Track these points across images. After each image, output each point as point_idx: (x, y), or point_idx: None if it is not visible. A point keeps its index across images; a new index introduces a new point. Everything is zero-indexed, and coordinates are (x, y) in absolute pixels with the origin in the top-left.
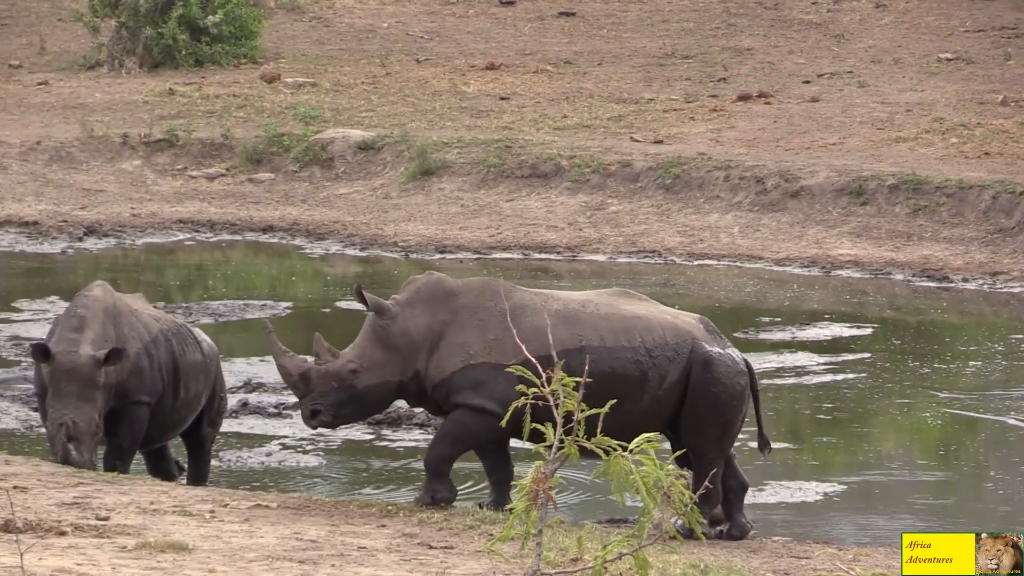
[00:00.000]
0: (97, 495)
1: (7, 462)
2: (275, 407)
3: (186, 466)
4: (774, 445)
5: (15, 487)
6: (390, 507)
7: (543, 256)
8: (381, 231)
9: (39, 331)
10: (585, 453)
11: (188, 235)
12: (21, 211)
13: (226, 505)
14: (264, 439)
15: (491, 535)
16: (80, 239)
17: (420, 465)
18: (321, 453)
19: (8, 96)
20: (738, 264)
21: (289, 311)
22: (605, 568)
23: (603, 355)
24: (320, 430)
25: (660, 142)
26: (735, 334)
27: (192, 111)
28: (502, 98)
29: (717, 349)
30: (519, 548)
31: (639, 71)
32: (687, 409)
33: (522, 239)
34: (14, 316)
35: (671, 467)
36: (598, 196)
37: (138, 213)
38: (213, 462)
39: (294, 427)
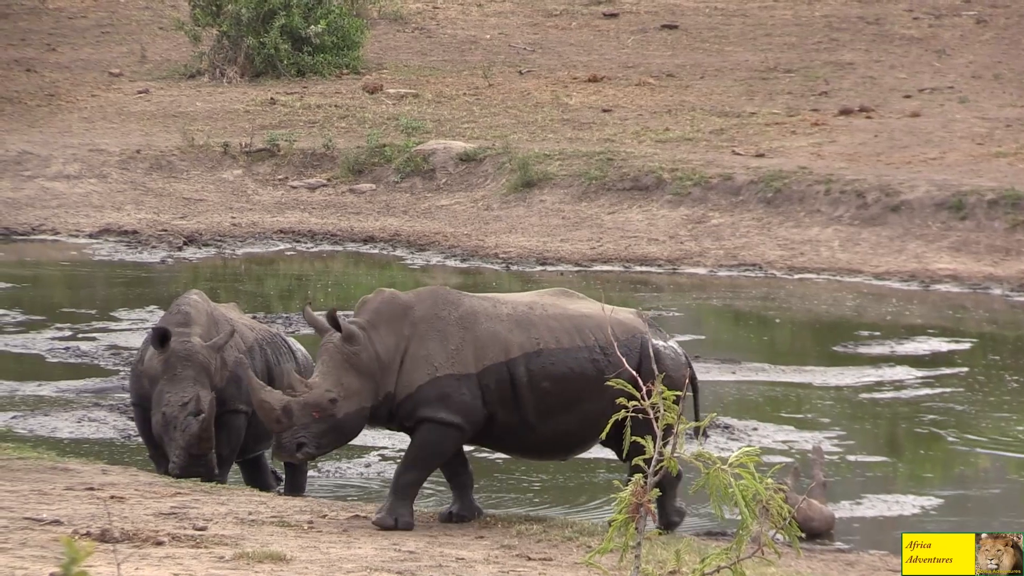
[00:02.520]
0: (195, 505)
1: (105, 472)
2: None
3: (283, 476)
4: (873, 459)
5: (112, 497)
6: (488, 519)
7: (644, 269)
8: (482, 242)
9: (138, 341)
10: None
11: (288, 245)
12: (121, 220)
13: (324, 516)
14: (363, 450)
15: (589, 547)
16: (180, 248)
17: (517, 478)
18: None
19: (109, 104)
20: (838, 278)
21: None
22: None
23: (561, 356)
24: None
25: (761, 156)
26: (834, 348)
27: (293, 121)
28: (604, 110)
29: (662, 343)
30: (618, 561)
31: (741, 84)
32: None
33: (623, 252)
34: (113, 325)
35: (770, 481)
36: (699, 209)
37: (238, 223)
38: (311, 473)
39: (393, 438)
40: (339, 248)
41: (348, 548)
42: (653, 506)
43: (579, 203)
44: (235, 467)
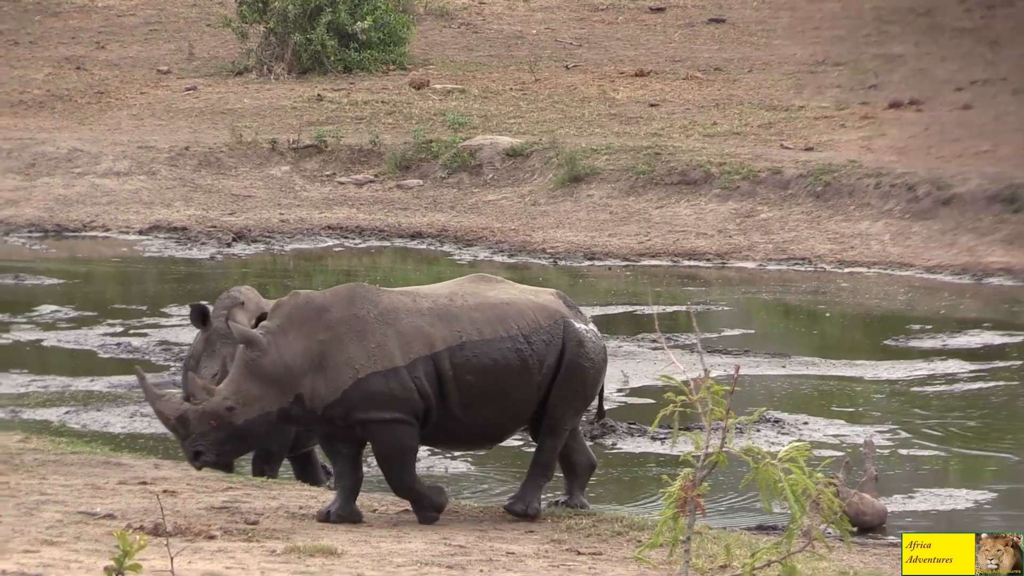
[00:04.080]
0: (246, 499)
1: (157, 466)
2: None
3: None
4: (925, 452)
5: (165, 491)
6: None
7: (692, 263)
8: (529, 238)
9: (188, 336)
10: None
11: (336, 241)
12: (170, 216)
13: (375, 510)
14: None
15: (639, 541)
16: (229, 245)
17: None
18: (470, 459)
19: (157, 101)
20: (888, 272)
21: None
22: (754, 575)
23: (484, 348)
24: None
25: (811, 149)
26: (885, 341)
27: (341, 117)
28: (651, 105)
29: (583, 326)
30: (667, 555)
31: (789, 78)
32: (558, 386)
33: (671, 246)
34: (163, 321)
35: (820, 475)
36: (748, 203)
37: (286, 219)
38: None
39: None
40: (387, 244)
41: (399, 542)
42: (702, 500)
43: (627, 197)
44: (285, 463)
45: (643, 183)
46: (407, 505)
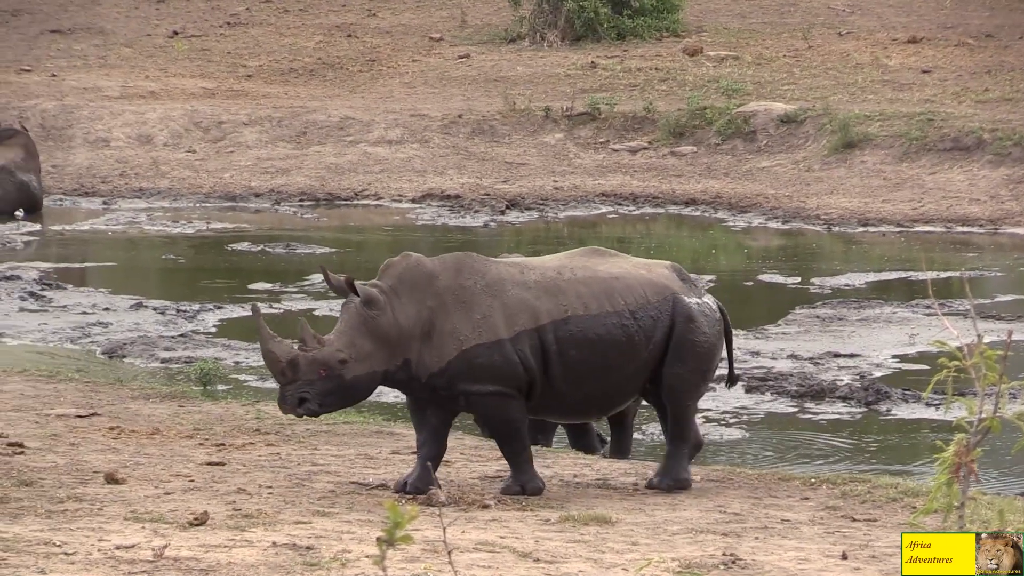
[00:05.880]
0: None
1: None
2: None
3: (608, 439)
4: None
5: None
6: (813, 479)
7: (965, 229)
8: (803, 204)
9: None
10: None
11: (610, 208)
12: (443, 184)
13: (648, 478)
14: None
15: (914, 508)
16: (502, 212)
17: (842, 439)
18: (744, 426)
19: (429, 69)
20: None
21: (712, 284)
22: None
23: (589, 323)
24: (744, 404)
25: None
26: None
27: (614, 84)
28: (923, 71)
29: (695, 300)
30: (941, 521)
31: None
32: (670, 362)
33: (944, 212)
34: None
35: None
36: (1020, 169)
37: (560, 186)
38: (636, 435)
39: (717, 400)
40: (660, 211)
41: (673, 511)
42: (975, 466)
43: (900, 164)
44: (560, 431)
45: (916, 149)
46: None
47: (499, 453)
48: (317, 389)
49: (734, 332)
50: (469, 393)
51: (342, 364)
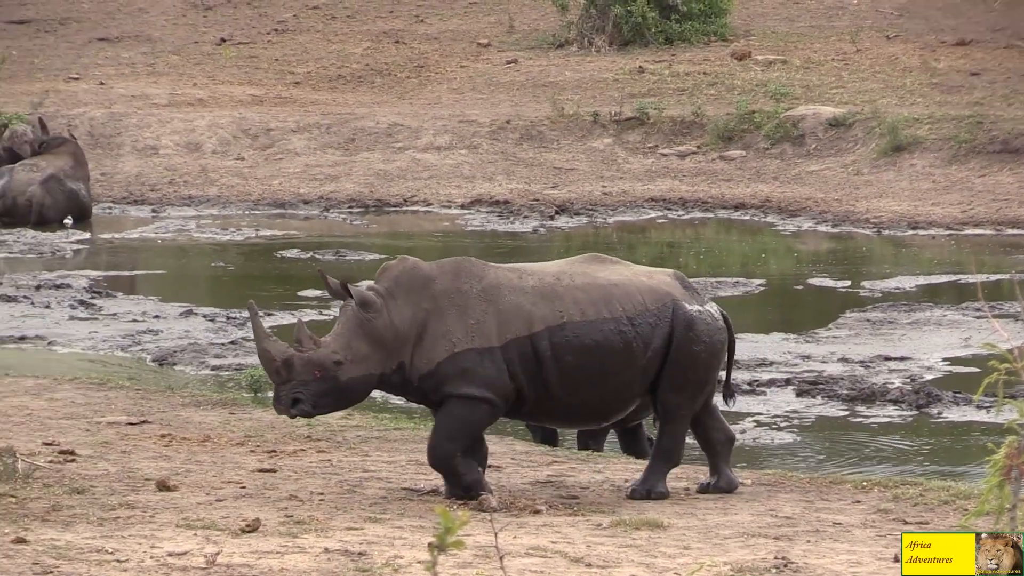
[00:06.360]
0: (571, 473)
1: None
2: (749, 384)
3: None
4: None
5: (489, 466)
6: (864, 483)
7: (1016, 232)
8: (853, 208)
9: None
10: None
11: (659, 213)
12: (492, 190)
13: (700, 482)
14: (738, 416)
15: (966, 510)
16: (551, 218)
17: (893, 442)
18: (795, 430)
19: (477, 75)
20: None
21: (762, 288)
22: None
23: (585, 329)
24: (795, 408)
25: None
26: None
27: (662, 89)
28: (972, 74)
29: (696, 307)
30: (993, 523)
31: None
32: (668, 370)
33: (993, 215)
34: None
35: None
36: None
37: (609, 191)
38: (688, 440)
39: (768, 404)
40: (710, 215)
41: (725, 515)
42: None
43: (949, 167)
44: (611, 435)
45: (965, 152)
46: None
47: (551, 458)
48: (312, 390)
49: (785, 335)
50: (452, 395)
51: (337, 366)
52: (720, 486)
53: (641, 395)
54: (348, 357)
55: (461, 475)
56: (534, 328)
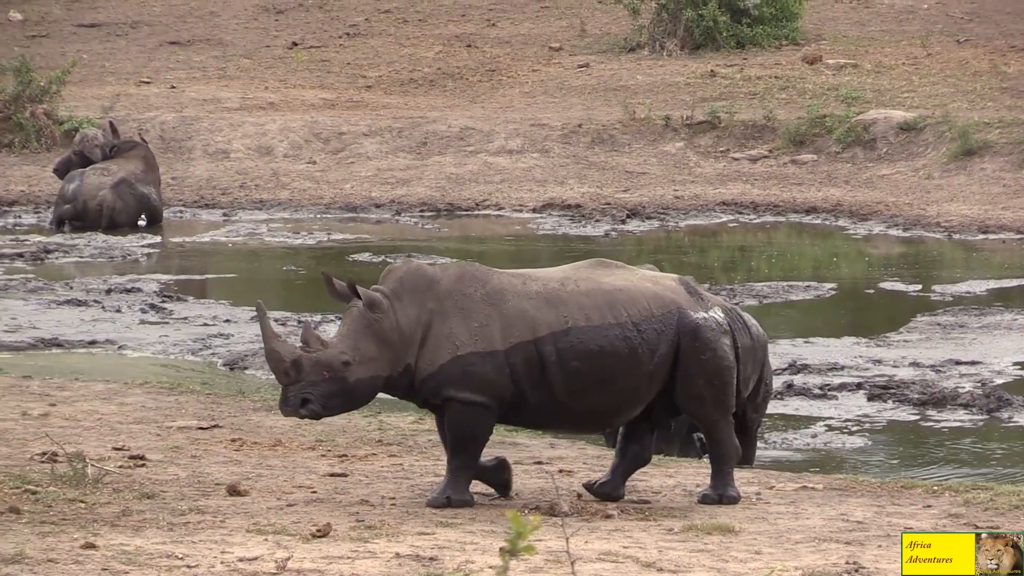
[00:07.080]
0: (643, 478)
1: (552, 446)
2: (820, 388)
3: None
4: None
5: (560, 471)
6: (935, 487)
7: None
8: (924, 212)
9: None
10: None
11: (731, 217)
12: (564, 194)
13: (772, 487)
14: (809, 420)
15: None
16: (623, 222)
17: (964, 446)
18: (866, 434)
19: (549, 79)
20: None
21: (833, 292)
22: None
23: (590, 334)
24: (866, 412)
25: None
26: None
27: (734, 93)
28: None
29: (702, 314)
30: None
31: None
32: (680, 379)
33: None
34: None
35: None
36: None
37: (680, 195)
38: (759, 444)
39: (839, 408)
40: (781, 219)
41: (796, 519)
42: None
43: (1019, 171)
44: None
45: None
46: (804, 482)
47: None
48: (320, 391)
49: (856, 339)
50: (452, 398)
51: (345, 366)
52: (605, 489)
53: (647, 401)
54: (356, 358)
55: (460, 489)
56: (538, 333)
